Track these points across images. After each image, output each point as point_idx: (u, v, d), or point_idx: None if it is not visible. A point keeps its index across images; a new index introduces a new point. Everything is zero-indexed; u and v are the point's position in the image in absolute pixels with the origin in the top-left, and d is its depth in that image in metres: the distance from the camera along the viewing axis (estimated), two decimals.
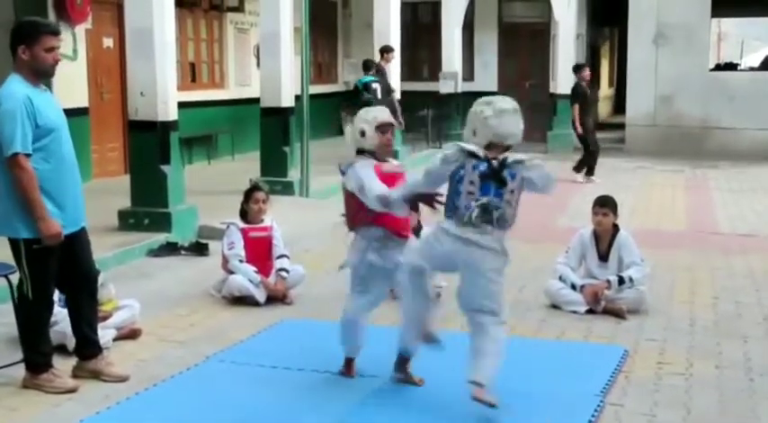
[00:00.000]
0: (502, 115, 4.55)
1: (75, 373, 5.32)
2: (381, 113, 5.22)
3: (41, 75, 5.06)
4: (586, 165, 14.60)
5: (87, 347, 5.36)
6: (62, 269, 5.17)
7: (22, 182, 4.85)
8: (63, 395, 5.05)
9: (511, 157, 4.58)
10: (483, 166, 4.55)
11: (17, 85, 4.94)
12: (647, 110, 18.55)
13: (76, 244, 5.21)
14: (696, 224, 10.79)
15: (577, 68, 15.01)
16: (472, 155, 4.57)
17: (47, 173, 4.94)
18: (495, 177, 4.55)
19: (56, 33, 5.08)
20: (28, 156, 4.85)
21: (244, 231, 7.11)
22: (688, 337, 6.23)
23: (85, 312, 5.35)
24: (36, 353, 5.18)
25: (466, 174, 4.56)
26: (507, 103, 4.62)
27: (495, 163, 4.55)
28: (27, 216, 4.92)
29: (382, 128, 5.08)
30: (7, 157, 4.84)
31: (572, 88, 14.78)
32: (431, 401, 5.03)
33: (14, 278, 5.41)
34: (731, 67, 26.26)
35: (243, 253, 7.02)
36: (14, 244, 5.05)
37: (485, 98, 4.69)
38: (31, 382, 5.15)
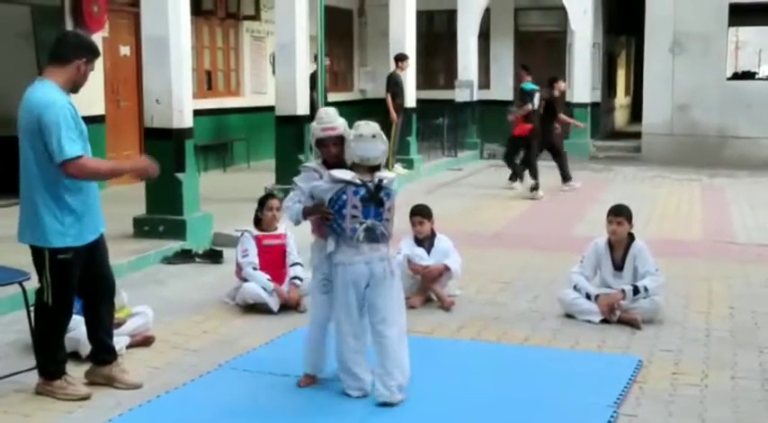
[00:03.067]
0: (359, 140, 4.95)
1: (89, 378, 5.33)
2: (317, 128, 5.26)
3: (75, 89, 5.13)
4: (563, 171, 14.55)
5: (103, 353, 5.35)
6: (83, 276, 5.18)
7: (96, 175, 5.06)
8: (75, 402, 5.05)
9: (385, 178, 5.02)
10: (362, 191, 4.95)
11: (56, 93, 4.95)
12: (664, 119, 18.49)
13: (97, 251, 5.22)
14: (712, 234, 10.72)
15: (554, 80, 15.04)
16: (350, 182, 4.95)
17: (74, 181, 4.96)
18: (374, 200, 4.98)
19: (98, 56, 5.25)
20: (82, 157, 4.89)
21: (258, 239, 7.11)
22: (704, 348, 6.18)
23: (104, 318, 5.35)
24: (51, 360, 5.19)
25: (348, 199, 4.93)
26: (367, 128, 5.00)
27: (371, 186, 4.96)
28: (52, 224, 4.93)
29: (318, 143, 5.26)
30: (61, 163, 4.84)
31: (548, 100, 14.58)
32: (444, 409, 5.00)
33: (28, 284, 5.44)
34: (749, 75, 26.16)
35: (257, 260, 7.02)
36: (38, 252, 5.05)
37: (357, 122, 5.10)
38: (44, 388, 5.16)
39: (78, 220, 5.01)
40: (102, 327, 5.35)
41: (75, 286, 5.16)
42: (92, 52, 5.11)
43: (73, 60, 5.01)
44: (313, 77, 13.62)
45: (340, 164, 5.08)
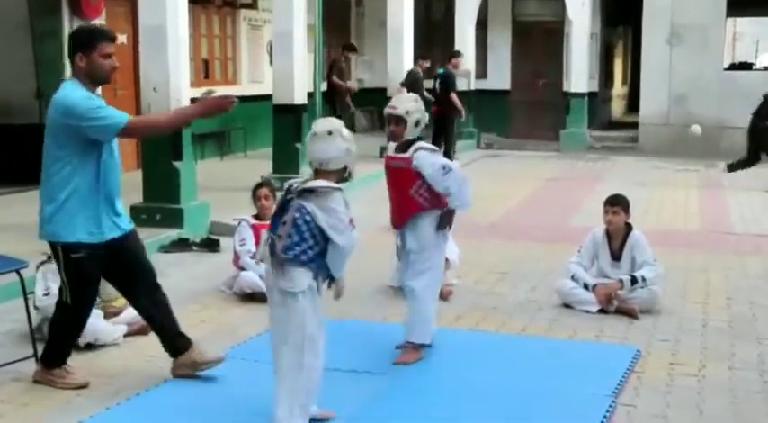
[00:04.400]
0: (313, 139, 4.40)
1: (177, 373, 5.23)
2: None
3: (98, 82, 5.01)
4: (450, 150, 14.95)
5: (175, 345, 5.26)
6: (116, 274, 5.16)
7: (151, 130, 5.23)
8: (73, 391, 5.05)
9: (303, 185, 4.32)
10: (281, 197, 4.45)
11: (79, 90, 4.90)
12: (661, 109, 18.48)
13: (128, 246, 5.17)
14: (710, 224, 10.73)
15: (452, 56, 15.68)
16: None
17: (100, 175, 4.92)
18: (283, 208, 4.37)
19: (112, 39, 5.04)
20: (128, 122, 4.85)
21: (255, 227, 7.11)
22: (701, 338, 6.19)
23: (160, 318, 5.29)
24: (57, 353, 5.16)
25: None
26: (322, 125, 4.44)
27: (290, 194, 4.33)
28: (67, 220, 4.90)
29: None
30: (119, 132, 4.83)
31: (443, 76, 15.20)
32: (443, 398, 5.01)
33: (26, 273, 5.43)
34: (746, 66, 26.11)
35: (254, 249, 7.01)
36: (54, 249, 5.03)
37: (317, 120, 4.67)
38: (42, 375, 5.15)
39: (111, 214, 4.99)
40: (164, 319, 5.29)
41: (93, 285, 5.10)
42: (83, 42, 4.96)
43: (74, 58, 4.96)
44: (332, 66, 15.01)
45: (401, 145, 5.50)
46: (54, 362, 5.15)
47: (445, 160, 5.57)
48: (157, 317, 5.31)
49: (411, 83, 14.97)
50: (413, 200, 5.52)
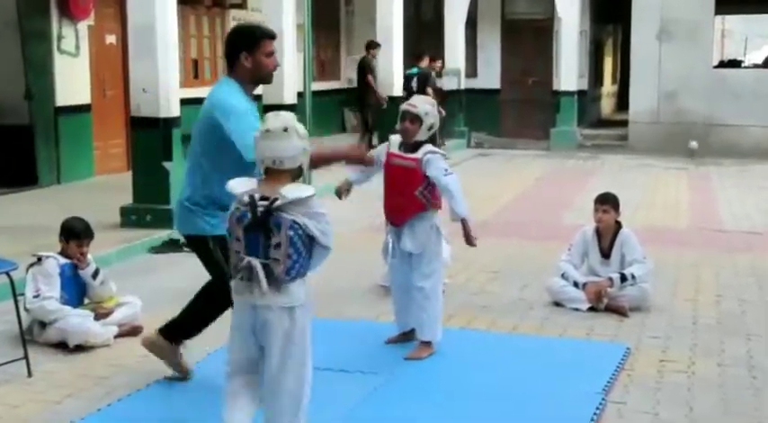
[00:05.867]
0: (266, 136, 3.91)
1: (145, 343, 5.21)
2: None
3: (261, 81, 4.98)
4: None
5: (179, 330, 5.25)
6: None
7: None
8: (64, 393, 5.03)
9: (282, 197, 3.82)
10: (246, 216, 3.87)
11: (236, 93, 4.81)
12: (651, 107, 18.51)
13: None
14: (700, 222, 10.76)
15: (370, 46, 16.14)
16: (237, 202, 3.96)
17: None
18: (261, 228, 3.85)
19: (273, 37, 4.99)
20: None
21: None
22: (691, 335, 6.21)
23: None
24: (190, 329, 5.16)
25: (233, 228, 3.94)
26: (276, 121, 3.94)
27: (260, 209, 3.83)
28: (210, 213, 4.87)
29: None
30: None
31: (361, 61, 16.05)
32: (434, 397, 5.01)
33: (15, 275, 5.42)
34: (735, 64, 26.19)
35: None
36: (201, 242, 4.96)
37: (267, 114, 4.07)
38: (162, 341, 5.09)
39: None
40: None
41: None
42: (248, 41, 4.87)
43: (236, 57, 4.87)
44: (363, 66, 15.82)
45: (409, 144, 5.58)
46: (178, 338, 5.14)
47: (447, 164, 5.69)
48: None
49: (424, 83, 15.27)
50: (417, 200, 5.57)
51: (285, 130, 3.90)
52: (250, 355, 4.02)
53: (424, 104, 5.62)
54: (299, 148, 3.92)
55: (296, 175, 3.99)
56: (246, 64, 4.84)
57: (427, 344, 5.69)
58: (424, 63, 16.21)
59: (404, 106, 5.65)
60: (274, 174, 3.92)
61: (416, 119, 5.54)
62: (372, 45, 16.03)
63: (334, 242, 3.99)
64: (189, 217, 4.95)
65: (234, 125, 4.66)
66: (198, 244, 5.00)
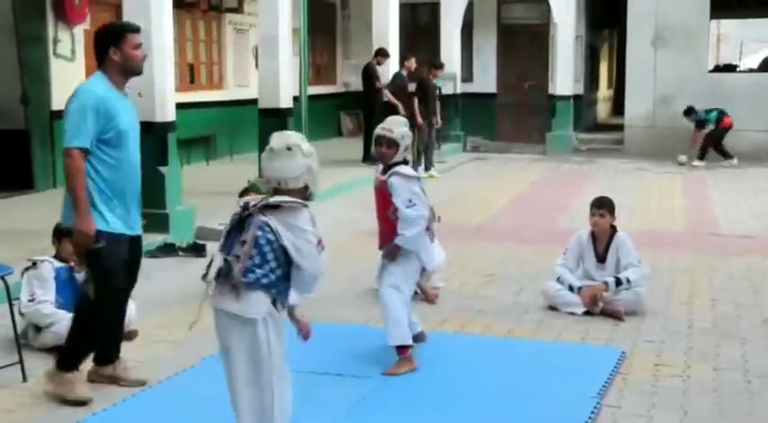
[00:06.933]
0: (270, 155, 3.93)
1: (92, 379, 5.25)
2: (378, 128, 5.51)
3: (131, 72, 5.16)
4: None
5: (105, 353, 5.27)
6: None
7: (69, 174, 4.87)
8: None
9: (265, 200, 3.87)
10: (235, 214, 3.94)
11: (99, 85, 5.03)
12: (646, 111, 18.54)
13: (134, 248, 5.18)
14: (695, 225, 10.78)
15: (379, 53, 15.64)
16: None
17: (112, 174, 4.96)
18: (240, 226, 3.88)
19: (138, 30, 5.21)
20: (84, 152, 4.86)
21: None
22: (686, 339, 6.21)
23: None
24: (77, 351, 5.10)
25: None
26: (280, 140, 3.97)
27: (247, 210, 3.88)
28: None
29: None
30: (64, 147, 4.89)
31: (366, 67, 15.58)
32: (429, 401, 5.02)
33: (10, 279, 5.41)
34: (730, 68, 26.23)
35: None
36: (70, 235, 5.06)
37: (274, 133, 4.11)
38: (55, 376, 5.04)
39: (121, 213, 5.01)
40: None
41: (116, 278, 5.06)
42: (114, 36, 5.10)
43: (105, 53, 5.08)
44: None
45: (386, 166, 5.52)
46: (70, 364, 5.08)
47: (415, 193, 5.50)
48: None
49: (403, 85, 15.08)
50: (390, 220, 5.52)
51: (289, 148, 3.90)
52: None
53: (399, 128, 5.54)
54: (304, 167, 3.90)
55: (302, 194, 3.93)
56: (115, 57, 5.05)
57: (403, 357, 5.49)
58: (411, 64, 15.72)
59: (379, 131, 5.56)
60: (282, 193, 3.90)
61: (393, 143, 5.48)
62: (382, 52, 15.59)
63: (320, 266, 3.88)
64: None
65: (72, 106, 4.92)
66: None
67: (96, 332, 5.12)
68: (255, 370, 3.88)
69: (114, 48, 5.05)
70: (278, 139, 3.96)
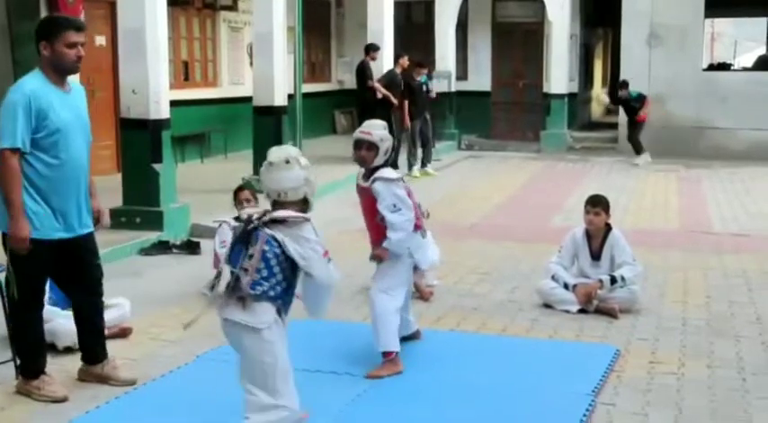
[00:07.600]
0: (269, 169, 4.08)
1: (82, 378, 5.24)
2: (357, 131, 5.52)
3: (62, 71, 4.95)
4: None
5: (90, 352, 5.27)
6: (62, 273, 5.09)
7: (2, 176, 4.70)
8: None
9: (269, 214, 4.00)
10: (239, 227, 4.07)
11: (30, 81, 4.85)
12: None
13: (77, 249, 5.05)
14: (689, 224, 10.79)
15: (370, 49, 15.49)
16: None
17: (46, 173, 4.82)
18: (245, 239, 4.00)
19: (78, 29, 4.97)
20: (16, 152, 4.71)
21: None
22: (680, 337, 6.22)
23: (86, 316, 5.24)
24: (25, 358, 5.08)
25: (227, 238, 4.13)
26: (278, 153, 4.12)
27: (252, 224, 4.00)
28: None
29: None
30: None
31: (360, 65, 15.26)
32: (424, 399, 5.01)
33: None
34: (724, 67, 26.27)
35: None
36: (3, 239, 4.94)
37: (272, 147, 4.28)
38: (21, 387, 5.06)
39: (45, 213, 4.84)
40: (85, 324, 5.26)
41: (41, 279, 5.02)
42: (48, 31, 4.92)
43: (38, 47, 4.92)
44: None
45: (366, 170, 5.44)
46: (30, 372, 5.06)
47: (398, 197, 5.40)
48: (89, 318, 5.28)
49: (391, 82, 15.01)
50: (379, 227, 5.47)
51: (287, 161, 4.05)
52: None
53: (377, 130, 5.43)
54: (302, 179, 4.05)
55: (301, 206, 4.08)
56: (45, 52, 4.88)
57: (388, 359, 5.41)
58: (404, 62, 15.49)
59: (357, 134, 5.45)
60: (280, 205, 4.05)
61: (372, 146, 5.38)
62: (373, 47, 15.50)
63: (330, 273, 4.00)
64: None
65: (3, 103, 4.74)
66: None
67: (20, 334, 5.05)
68: (263, 372, 4.03)
69: (45, 42, 4.86)
70: (276, 152, 4.12)
